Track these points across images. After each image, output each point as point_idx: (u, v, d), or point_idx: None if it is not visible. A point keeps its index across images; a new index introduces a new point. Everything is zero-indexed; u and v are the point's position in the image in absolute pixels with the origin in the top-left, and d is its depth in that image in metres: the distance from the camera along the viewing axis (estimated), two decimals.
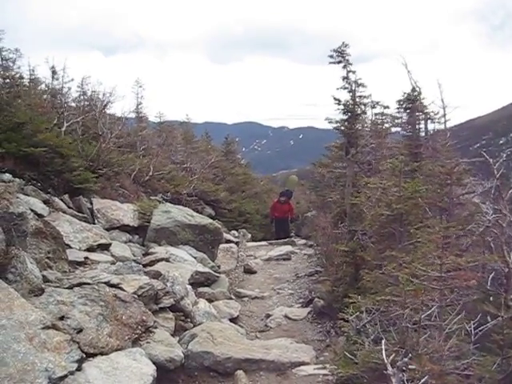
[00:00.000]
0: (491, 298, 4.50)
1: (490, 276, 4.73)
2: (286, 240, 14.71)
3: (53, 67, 12.23)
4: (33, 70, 12.68)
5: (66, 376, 3.91)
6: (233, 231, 14.72)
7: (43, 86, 12.79)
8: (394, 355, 3.42)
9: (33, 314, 4.30)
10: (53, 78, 12.37)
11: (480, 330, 4.06)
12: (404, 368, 3.12)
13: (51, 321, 4.41)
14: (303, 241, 14.92)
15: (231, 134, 25.69)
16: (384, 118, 9.79)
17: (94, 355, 4.47)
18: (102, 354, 4.54)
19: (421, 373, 3.25)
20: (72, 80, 12.61)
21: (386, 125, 10.05)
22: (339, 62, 8.22)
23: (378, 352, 3.71)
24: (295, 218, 17.35)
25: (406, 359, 3.20)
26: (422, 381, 3.13)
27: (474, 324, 4.03)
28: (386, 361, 3.28)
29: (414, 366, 3.28)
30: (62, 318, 4.62)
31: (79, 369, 4.14)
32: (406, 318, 3.86)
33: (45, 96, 11.85)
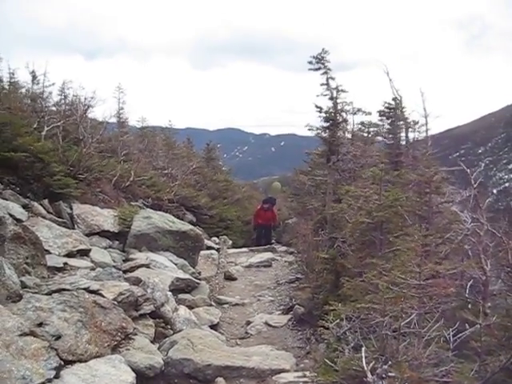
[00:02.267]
0: (469, 306, 4.56)
1: (469, 284, 4.78)
2: (266, 247, 14.71)
3: (33, 71, 12.15)
4: (12, 74, 12.58)
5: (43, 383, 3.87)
6: (213, 238, 14.68)
7: (23, 90, 12.67)
8: (373, 362, 3.44)
9: (10, 321, 4.25)
10: (33, 82, 12.28)
11: (458, 338, 4.11)
12: (384, 375, 3.14)
13: (29, 327, 4.36)
14: (284, 248, 14.93)
15: (213, 140, 25.62)
16: (365, 126, 9.86)
17: (72, 362, 4.44)
18: (80, 361, 4.50)
19: (400, 380, 3.27)
20: (53, 84, 12.54)
21: (365, 134, 10.13)
22: (318, 69, 8.25)
23: (357, 359, 3.73)
24: (277, 225, 17.35)
25: (385, 366, 3.22)
26: None
27: (452, 331, 4.07)
28: (365, 368, 3.30)
29: (393, 374, 3.30)
30: (40, 325, 4.57)
31: (57, 376, 4.11)
32: (385, 325, 3.89)
33: (25, 100, 11.73)
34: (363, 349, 3.63)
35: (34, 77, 12.12)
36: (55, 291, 5.21)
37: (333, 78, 8.27)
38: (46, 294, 5.14)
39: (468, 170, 5.56)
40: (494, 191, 67.16)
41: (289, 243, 14.27)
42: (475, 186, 5.53)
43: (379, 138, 9.79)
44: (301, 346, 6.83)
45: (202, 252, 10.51)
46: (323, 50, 8.28)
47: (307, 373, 5.17)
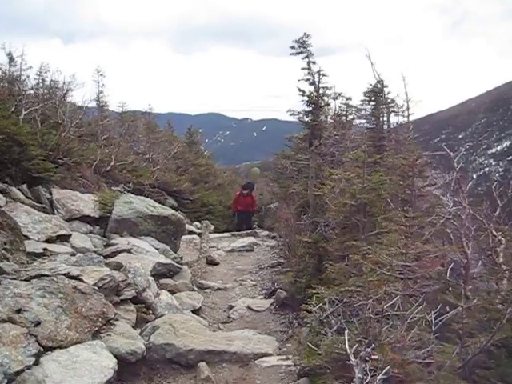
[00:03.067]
0: (450, 289, 4.59)
1: (449, 267, 4.81)
2: (248, 231, 14.72)
3: (10, 53, 11.89)
4: None
5: (22, 371, 3.82)
6: (195, 222, 14.63)
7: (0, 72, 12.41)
8: (356, 345, 3.44)
9: None
10: (10, 64, 12.03)
11: (440, 320, 4.13)
12: (367, 358, 3.13)
13: (7, 314, 4.30)
14: (266, 232, 14.96)
15: (194, 125, 25.42)
16: (348, 109, 9.82)
17: (52, 349, 4.39)
18: (60, 347, 4.45)
19: (383, 362, 3.27)
20: (30, 67, 12.28)
21: (350, 116, 10.10)
22: (300, 53, 8.15)
23: (341, 342, 3.73)
24: (257, 210, 17.39)
25: (368, 349, 3.22)
26: (384, 370, 3.15)
27: (434, 314, 4.09)
28: (349, 351, 3.29)
29: (376, 356, 3.30)
30: (18, 311, 4.49)
31: (37, 363, 4.06)
32: (368, 308, 3.89)
33: (1, 83, 11.50)
34: (346, 332, 3.62)
35: (11, 59, 11.87)
36: (34, 277, 5.13)
37: (314, 63, 8.19)
38: (25, 280, 5.06)
39: (451, 154, 5.58)
40: (474, 176, 68.02)
41: (271, 228, 14.29)
42: (457, 169, 5.56)
43: (361, 121, 9.78)
44: (283, 329, 6.84)
45: (184, 237, 10.47)
46: (305, 34, 8.17)
47: (290, 356, 5.18)
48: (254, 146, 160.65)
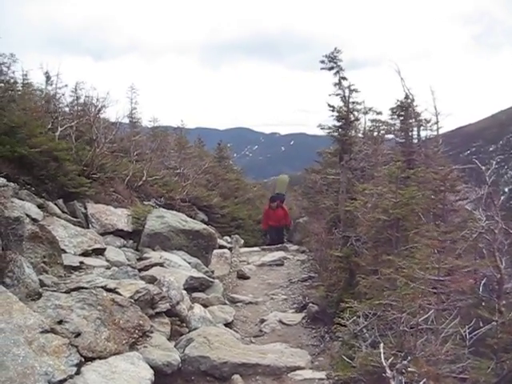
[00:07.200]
0: (483, 304, 4.57)
1: (482, 282, 4.79)
2: (278, 246, 14.70)
3: (47, 73, 12.28)
4: (25, 75, 12.71)
5: (65, 380, 3.93)
6: (225, 237, 14.70)
7: (38, 91, 12.81)
8: (392, 358, 3.47)
9: (31, 318, 4.32)
10: (47, 83, 12.41)
11: (474, 335, 4.12)
12: (403, 371, 3.16)
13: (50, 325, 4.43)
14: (295, 247, 14.93)
15: (223, 140, 25.66)
16: (378, 124, 9.84)
17: (92, 359, 4.49)
18: (100, 357, 4.56)
19: (418, 375, 3.30)
20: (66, 85, 12.65)
21: (377, 132, 10.11)
22: (331, 68, 8.19)
23: (376, 355, 3.75)
24: (290, 224, 16.37)
25: (405, 362, 3.25)
26: (421, 383, 3.17)
27: (468, 328, 4.09)
28: (384, 364, 3.32)
29: (412, 369, 3.33)
30: (60, 322, 4.64)
31: (78, 373, 4.17)
32: (403, 321, 3.91)
33: (39, 101, 11.85)
34: (381, 345, 3.65)
35: (48, 78, 12.25)
36: (73, 289, 5.28)
37: (345, 78, 8.23)
38: (65, 293, 5.22)
39: (483, 168, 5.57)
40: (506, 190, 66.68)
41: (300, 242, 14.27)
42: (489, 183, 5.54)
43: (390, 136, 9.78)
44: (315, 343, 6.85)
45: (215, 251, 10.56)
46: (335, 49, 8.19)
47: (325, 369, 5.21)
48: (282, 160, 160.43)
